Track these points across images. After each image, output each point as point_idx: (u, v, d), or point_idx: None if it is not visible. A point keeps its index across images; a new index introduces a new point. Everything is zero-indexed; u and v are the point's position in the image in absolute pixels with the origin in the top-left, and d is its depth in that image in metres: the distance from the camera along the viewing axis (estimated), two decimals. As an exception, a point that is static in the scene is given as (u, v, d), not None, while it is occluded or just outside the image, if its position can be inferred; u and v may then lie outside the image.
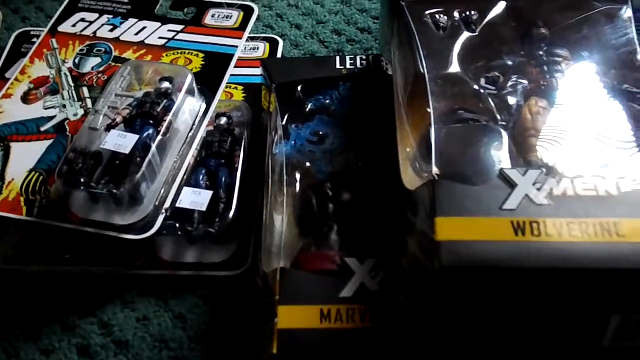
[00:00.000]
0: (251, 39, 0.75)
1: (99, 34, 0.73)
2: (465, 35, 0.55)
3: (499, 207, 0.42)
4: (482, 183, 0.44)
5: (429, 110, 0.49)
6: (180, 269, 0.58)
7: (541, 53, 0.54)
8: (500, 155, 0.46)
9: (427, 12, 0.56)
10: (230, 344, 0.54)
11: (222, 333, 0.55)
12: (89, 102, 0.66)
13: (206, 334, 0.55)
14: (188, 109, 0.63)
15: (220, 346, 0.54)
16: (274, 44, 0.76)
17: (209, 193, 0.59)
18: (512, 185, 0.43)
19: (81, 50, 0.71)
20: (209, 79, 0.66)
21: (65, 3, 0.77)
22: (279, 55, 0.75)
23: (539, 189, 0.43)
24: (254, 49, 0.75)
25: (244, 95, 0.69)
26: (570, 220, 0.41)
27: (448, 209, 0.42)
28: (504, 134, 0.48)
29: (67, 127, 0.64)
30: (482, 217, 0.42)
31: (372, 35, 0.77)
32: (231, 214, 0.58)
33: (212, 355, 0.54)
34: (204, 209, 0.58)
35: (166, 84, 0.63)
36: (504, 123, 0.49)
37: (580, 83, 0.52)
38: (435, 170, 0.45)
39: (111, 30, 0.73)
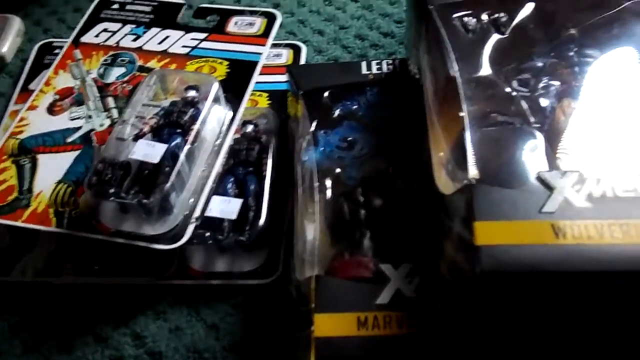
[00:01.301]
0: (274, 45, 0.74)
1: (122, 44, 0.73)
2: (495, 37, 0.54)
3: (538, 210, 0.41)
4: (519, 186, 0.43)
5: (461, 114, 0.48)
6: (211, 278, 0.58)
7: (571, 54, 0.54)
8: (536, 157, 0.45)
9: (455, 15, 0.56)
10: (264, 353, 0.54)
11: (255, 342, 0.55)
12: (114, 112, 0.66)
13: (239, 343, 0.55)
14: (215, 117, 0.63)
15: (253, 355, 0.54)
16: (297, 51, 0.76)
17: (239, 201, 0.58)
18: (550, 187, 0.42)
19: (105, 60, 0.72)
20: (234, 87, 0.66)
21: (87, 13, 0.77)
22: (302, 61, 0.75)
23: (577, 191, 0.42)
24: (277, 55, 0.75)
25: (269, 102, 0.69)
26: (611, 221, 0.41)
27: (486, 212, 0.41)
28: (539, 136, 0.47)
29: (93, 137, 0.64)
30: (522, 221, 0.41)
31: (395, 39, 0.76)
32: (261, 222, 0.58)
33: (246, 364, 0.54)
34: (233, 217, 0.58)
35: (192, 93, 0.63)
36: (537, 125, 0.48)
37: (612, 82, 0.52)
38: (472, 174, 0.44)
39: (134, 40, 0.73)
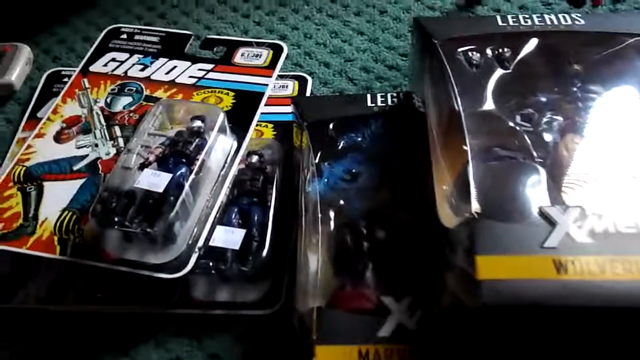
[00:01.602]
0: (280, 77, 0.75)
1: (129, 74, 0.74)
2: (499, 72, 0.55)
3: (540, 245, 0.42)
4: (522, 221, 0.43)
5: (465, 147, 0.48)
6: (214, 307, 0.58)
7: (575, 89, 0.54)
8: (538, 192, 0.46)
9: (460, 50, 0.57)
10: (265, 384, 0.54)
11: (256, 373, 0.55)
12: (120, 141, 0.67)
13: (240, 374, 0.55)
14: (220, 148, 0.63)
15: (254, 386, 0.54)
16: (302, 82, 0.76)
17: (242, 231, 0.59)
18: (552, 223, 0.43)
19: (112, 89, 0.72)
20: (239, 117, 0.67)
21: (96, 43, 0.78)
22: (308, 92, 0.75)
23: (579, 227, 0.42)
24: (283, 86, 0.75)
25: (274, 133, 0.69)
26: (612, 257, 0.41)
27: (488, 247, 0.42)
28: (542, 171, 0.47)
29: (99, 166, 0.65)
30: (523, 256, 0.41)
31: (400, 72, 0.77)
32: (264, 253, 0.58)
33: (246, 395, 0.54)
34: (237, 247, 0.58)
35: (198, 123, 0.64)
36: (540, 160, 0.49)
37: (615, 118, 0.52)
38: (474, 208, 0.44)
39: (142, 70, 0.74)
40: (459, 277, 0.43)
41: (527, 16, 0.59)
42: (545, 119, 0.52)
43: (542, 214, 0.43)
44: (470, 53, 0.56)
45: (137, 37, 0.79)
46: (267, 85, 0.70)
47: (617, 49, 0.57)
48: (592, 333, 0.41)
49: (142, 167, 0.60)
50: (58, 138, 0.68)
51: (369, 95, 0.65)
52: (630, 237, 0.42)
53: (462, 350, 0.45)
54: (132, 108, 0.70)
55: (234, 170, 0.62)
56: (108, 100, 0.71)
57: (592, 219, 0.43)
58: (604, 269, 0.40)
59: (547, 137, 0.51)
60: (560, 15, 0.59)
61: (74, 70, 0.75)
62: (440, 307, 0.46)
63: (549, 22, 0.59)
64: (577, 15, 0.60)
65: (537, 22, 0.59)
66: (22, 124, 0.73)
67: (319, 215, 0.56)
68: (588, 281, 0.40)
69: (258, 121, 0.67)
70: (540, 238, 0.42)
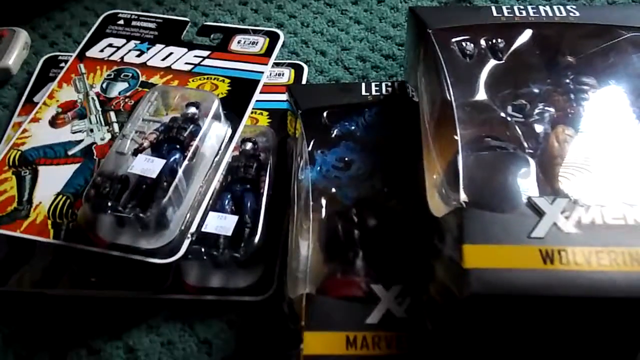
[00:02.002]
0: (276, 64, 0.75)
1: (126, 59, 0.74)
2: (492, 62, 0.55)
3: (527, 235, 0.42)
4: (510, 211, 0.44)
5: (455, 137, 0.49)
6: (205, 293, 0.58)
7: (568, 81, 0.54)
8: (527, 183, 0.46)
9: (454, 40, 0.57)
10: (255, 370, 0.54)
11: (247, 358, 0.55)
12: (115, 126, 0.67)
13: (231, 359, 0.55)
14: (214, 134, 0.63)
15: (245, 371, 0.55)
16: (299, 70, 0.76)
17: (235, 218, 0.59)
18: (540, 213, 0.43)
19: (108, 75, 0.73)
20: (234, 104, 0.67)
21: (93, 28, 0.79)
22: (304, 81, 0.75)
23: (567, 217, 0.43)
24: (279, 74, 0.75)
25: (269, 120, 0.70)
26: (598, 249, 0.41)
27: (476, 236, 0.42)
28: (532, 162, 0.47)
29: (94, 151, 0.65)
30: (510, 245, 0.42)
31: (396, 61, 0.77)
32: (256, 239, 0.58)
33: (237, 380, 0.54)
34: (229, 233, 0.58)
35: (193, 109, 0.64)
36: (531, 151, 0.49)
37: (607, 111, 0.52)
38: (463, 197, 0.45)
39: (138, 56, 0.74)
40: (447, 266, 0.43)
41: (521, 7, 0.59)
42: (537, 110, 0.52)
43: (530, 204, 0.43)
44: (463, 43, 0.57)
45: (134, 23, 0.79)
46: (262, 72, 0.71)
47: (612, 42, 0.57)
48: (577, 323, 0.41)
49: (136, 152, 0.60)
50: (53, 123, 0.69)
51: (363, 84, 0.65)
52: (617, 229, 0.42)
53: (449, 338, 0.45)
54: (127, 94, 0.70)
55: (227, 157, 0.63)
56: (104, 85, 0.71)
57: (580, 210, 0.43)
58: (589, 260, 0.41)
59: (538, 128, 0.51)
60: (555, 7, 0.59)
61: (71, 56, 0.76)
62: (428, 295, 0.46)
63: (543, 14, 0.59)
64: (572, 7, 0.60)
65: (531, 14, 0.59)
66: (19, 108, 0.73)
67: (311, 203, 0.56)
68: (574, 271, 0.40)
69: (253, 108, 0.68)
70: (527, 228, 0.42)
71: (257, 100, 0.68)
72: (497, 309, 0.41)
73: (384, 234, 0.54)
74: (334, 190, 0.57)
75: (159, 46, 0.75)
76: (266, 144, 0.66)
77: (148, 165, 0.58)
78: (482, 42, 0.57)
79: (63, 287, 0.59)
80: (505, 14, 0.59)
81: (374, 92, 0.64)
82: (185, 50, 0.75)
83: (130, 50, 0.75)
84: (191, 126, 0.62)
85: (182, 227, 0.58)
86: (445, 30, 0.57)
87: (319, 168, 0.59)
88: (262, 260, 0.59)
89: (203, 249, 0.57)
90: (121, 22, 0.79)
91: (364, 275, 0.51)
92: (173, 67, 0.73)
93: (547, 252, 0.41)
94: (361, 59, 0.78)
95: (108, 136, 0.66)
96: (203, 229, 0.58)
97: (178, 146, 0.61)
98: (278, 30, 0.76)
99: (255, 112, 0.70)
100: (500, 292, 0.40)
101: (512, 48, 0.56)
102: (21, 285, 0.60)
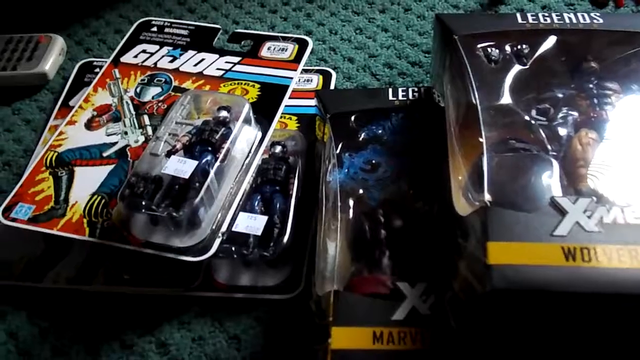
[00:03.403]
0: (305, 71, 0.77)
1: (159, 65, 0.76)
2: (517, 68, 0.56)
3: (550, 233, 0.43)
4: (533, 210, 0.45)
5: (480, 139, 0.50)
6: (235, 291, 0.60)
7: (591, 86, 0.55)
8: (550, 183, 0.47)
9: (479, 46, 0.58)
10: (283, 365, 0.56)
11: (275, 354, 0.56)
12: (149, 129, 0.69)
13: (259, 355, 0.56)
14: (245, 137, 0.65)
15: (273, 367, 0.56)
16: (327, 76, 0.78)
17: (264, 218, 0.60)
18: (562, 212, 0.44)
19: (142, 80, 0.74)
20: (264, 109, 0.68)
21: (127, 35, 0.80)
22: (332, 87, 0.77)
23: (589, 217, 0.44)
24: (308, 80, 0.77)
25: (298, 125, 0.71)
26: (619, 247, 0.42)
27: (499, 233, 0.43)
28: (555, 163, 0.48)
29: (128, 152, 0.67)
30: (533, 243, 0.43)
31: (422, 68, 0.78)
32: (285, 239, 0.59)
33: (265, 375, 0.56)
34: (259, 233, 0.59)
35: (224, 113, 0.66)
36: (554, 153, 0.50)
37: (629, 115, 0.53)
38: (487, 197, 0.46)
39: (171, 61, 0.76)
40: (471, 263, 0.44)
41: (546, 14, 0.60)
42: (560, 114, 0.53)
43: (553, 203, 0.44)
44: (489, 49, 0.58)
45: (167, 30, 0.81)
46: (292, 78, 0.72)
47: (635, 50, 0.57)
48: (598, 318, 0.42)
49: (169, 154, 0.62)
50: (89, 125, 0.71)
51: (390, 90, 0.66)
52: (638, 228, 0.43)
53: (472, 334, 0.46)
54: (160, 98, 0.72)
55: (257, 160, 0.64)
56: (138, 90, 0.73)
57: (602, 210, 0.44)
58: (611, 258, 0.42)
59: (562, 131, 0.52)
60: (579, 14, 0.60)
61: (105, 61, 0.78)
62: (452, 292, 0.47)
63: (567, 21, 0.60)
64: (596, 15, 0.61)
65: (555, 20, 0.60)
66: (55, 112, 0.76)
67: (339, 204, 0.57)
68: (595, 269, 0.41)
69: (282, 113, 0.69)
70: (550, 226, 0.43)
71: (286, 105, 0.70)
72: (519, 304, 0.42)
73: (409, 234, 0.55)
74: (361, 191, 0.58)
75: (191, 52, 0.77)
76: (295, 148, 0.68)
77: (181, 166, 0.60)
78: (507, 48, 0.58)
79: (97, 284, 0.61)
80: (530, 21, 0.60)
81: (400, 97, 0.65)
82: (217, 56, 0.76)
83: (163, 56, 0.77)
84: (222, 129, 0.64)
85: (213, 227, 0.59)
86: (471, 37, 0.58)
87: (346, 170, 0.60)
88: (290, 260, 0.60)
89: (233, 248, 0.59)
90: (154, 29, 0.81)
91: (390, 274, 0.52)
92: (205, 72, 0.75)
93: (569, 250, 0.42)
94: (388, 66, 0.79)
95: (142, 139, 0.68)
96: (233, 229, 0.60)
97: (210, 148, 0.62)
98: (307, 38, 0.77)
99: (285, 117, 0.72)
100: (522, 287, 0.41)
101: (537, 54, 0.57)
102: (57, 282, 0.62)
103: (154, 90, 0.73)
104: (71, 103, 0.76)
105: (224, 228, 0.59)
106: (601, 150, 0.50)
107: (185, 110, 0.68)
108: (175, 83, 0.73)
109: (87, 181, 0.65)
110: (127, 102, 0.72)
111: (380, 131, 0.63)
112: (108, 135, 0.69)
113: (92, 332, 0.59)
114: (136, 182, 0.60)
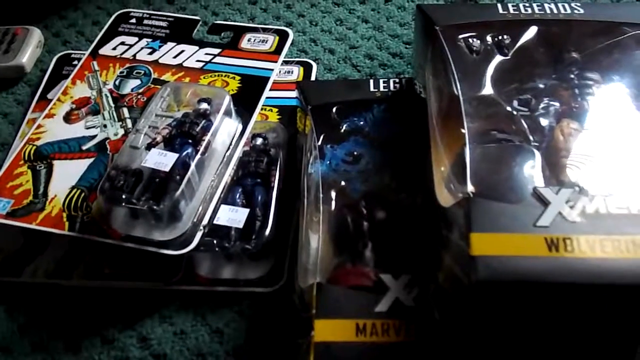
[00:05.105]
0: (285, 62, 0.76)
1: (138, 57, 0.75)
2: (498, 58, 0.56)
3: (533, 224, 0.43)
4: (516, 201, 0.45)
5: (463, 130, 0.50)
6: (217, 284, 0.59)
7: (572, 76, 0.55)
8: (533, 174, 0.47)
9: (461, 37, 0.58)
10: (266, 358, 0.55)
11: (258, 347, 0.56)
12: (128, 122, 0.68)
13: (242, 348, 0.56)
14: (225, 130, 0.65)
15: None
16: (307, 68, 0.77)
17: (246, 211, 0.60)
18: (545, 203, 0.44)
19: (121, 72, 0.74)
20: (245, 101, 0.68)
21: (105, 27, 0.80)
22: (313, 78, 0.77)
23: (571, 207, 0.44)
24: (289, 72, 0.77)
25: (279, 117, 0.71)
26: (602, 237, 0.42)
27: (483, 225, 0.43)
28: (537, 154, 0.48)
29: (107, 146, 0.66)
30: (516, 234, 0.43)
31: (403, 59, 0.78)
32: (267, 232, 0.59)
33: (248, 368, 0.55)
34: (240, 226, 0.59)
35: (204, 105, 0.65)
36: (536, 144, 0.50)
37: (610, 105, 0.53)
38: (470, 188, 0.46)
39: (150, 53, 0.76)
40: (455, 255, 0.44)
41: (527, 4, 0.60)
42: (542, 104, 0.53)
43: (536, 194, 0.44)
44: (470, 39, 0.58)
45: (145, 21, 0.80)
46: (272, 70, 0.72)
47: (616, 39, 0.58)
48: (581, 309, 0.42)
49: (150, 146, 0.61)
50: (68, 118, 0.70)
51: (371, 81, 0.66)
52: (621, 218, 0.43)
53: (457, 326, 0.46)
54: (140, 90, 0.71)
55: (238, 152, 0.64)
56: (117, 82, 0.73)
57: (584, 200, 0.44)
58: (593, 248, 0.42)
59: (544, 121, 0.52)
60: (560, 4, 0.60)
61: (84, 54, 0.77)
62: (437, 284, 0.47)
63: (548, 11, 0.60)
64: (576, 5, 0.61)
65: (536, 11, 0.60)
66: (33, 105, 0.75)
67: (321, 196, 0.57)
68: (578, 259, 0.41)
69: (263, 105, 0.69)
70: (533, 217, 0.43)
71: (267, 97, 0.69)
72: (504, 295, 0.42)
73: (392, 226, 0.55)
74: (343, 183, 0.58)
75: (170, 44, 0.77)
76: (276, 140, 0.67)
77: (161, 159, 0.59)
78: (489, 38, 0.58)
79: (77, 278, 0.60)
80: (511, 11, 0.60)
81: (381, 89, 0.65)
82: (197, 48, 0.76)
83: (142, 48, 0.76)
84: (203, 121, 0.63)
85: (195, 220, 0.59)
86: (452, 27, 0.58)
87: (328, 162, 0.60)
88: (273, 253, 0.60)
89: (215, 241, 0.58)
90: (133, 20, 0.80)
91: (373, 266, 0.52)
92: (184, 64, 0.74)
93: (552, 240, 0.42)
94: (369, 57, 0.79)
95: (121, 132, 0.67)
96: (215, 222, 0.59)
97: (190, 141, 0.62)
98: (287, 29, 0.77)
99: (265, 109, 0.71)
100: (506, 278, 0.41)
101: (518, 44, 0.57)
102: (35, 276, 0.61)
103: (133, 83, 0.72)
104: (49, 96, 0.75)
105: (205, 221, 0.59)
106: (583, 141, 0.50)
107: (165, 103, 0.67)
108: (154, 75, 0.73)
109: (66, 175, 0.64)
110: (106, 95, 0.71)
111: (361, 122, 0.63)
112: (87, 129, 0.68)
113: (73, 327, 0.58)
114: (116, 175, 0.59)
